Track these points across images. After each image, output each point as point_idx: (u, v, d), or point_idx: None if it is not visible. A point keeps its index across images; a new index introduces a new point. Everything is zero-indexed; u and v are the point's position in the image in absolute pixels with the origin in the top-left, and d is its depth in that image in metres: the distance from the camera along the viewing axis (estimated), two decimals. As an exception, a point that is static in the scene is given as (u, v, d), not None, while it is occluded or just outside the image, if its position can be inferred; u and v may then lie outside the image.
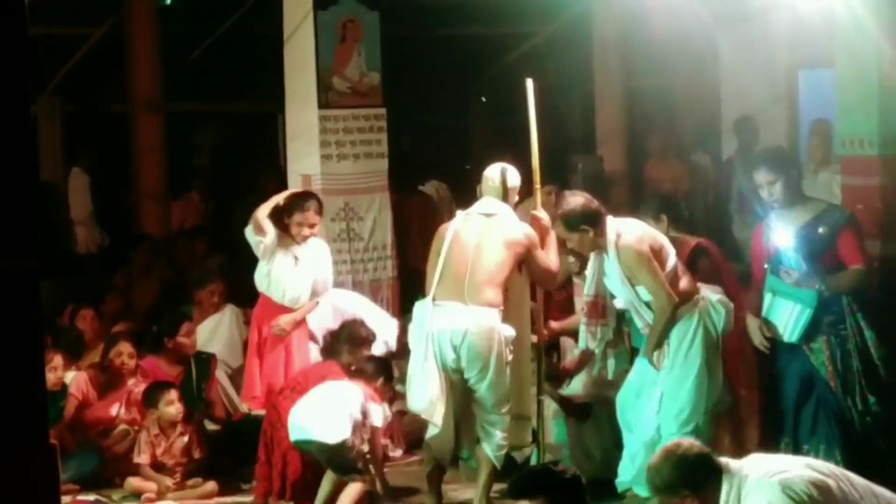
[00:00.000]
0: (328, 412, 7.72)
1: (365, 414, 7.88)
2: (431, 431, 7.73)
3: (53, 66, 14.42)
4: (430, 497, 7.93)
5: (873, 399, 7.31)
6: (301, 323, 8.83)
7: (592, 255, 7.70)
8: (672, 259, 7.50)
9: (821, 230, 7.44)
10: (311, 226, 8.76)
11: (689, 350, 7.44)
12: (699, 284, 7.64)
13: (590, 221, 7.50)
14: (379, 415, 7.98)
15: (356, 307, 9.09)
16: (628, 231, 7.47)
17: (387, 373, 8.36)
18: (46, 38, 13.12)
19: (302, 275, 8.77)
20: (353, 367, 8.27)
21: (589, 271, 7.83)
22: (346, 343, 8.46)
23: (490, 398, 7.69)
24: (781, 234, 7.47)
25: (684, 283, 7.51)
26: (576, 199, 7.61)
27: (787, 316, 7.47)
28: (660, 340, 7.47)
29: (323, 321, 8.89)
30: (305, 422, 7.74)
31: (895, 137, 9.53)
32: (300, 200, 8.83)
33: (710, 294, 7.56)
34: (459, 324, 7.54)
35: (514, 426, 7.92)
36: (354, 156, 10.03)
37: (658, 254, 7.44)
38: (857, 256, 7.56)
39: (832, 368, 7.39)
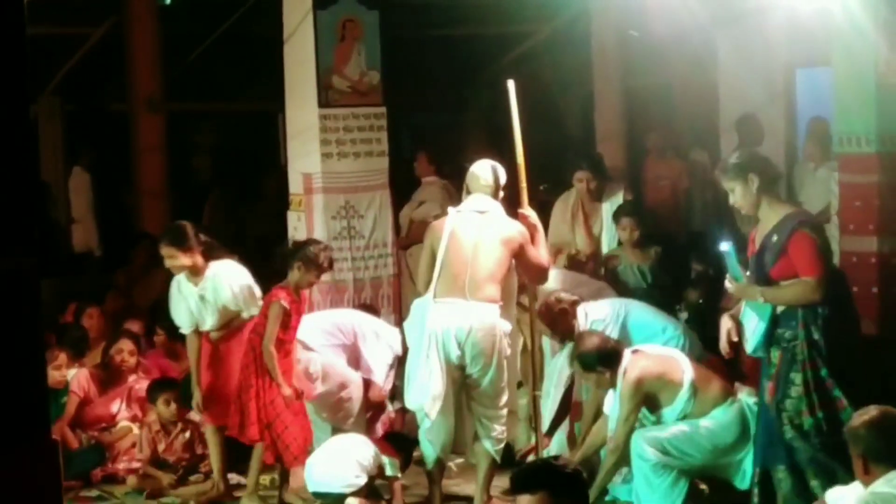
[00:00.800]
0: (342, 463, 7.90)
1: (380, 467, 8.04)
2: (435, 427, 7.77)
3: (53, 65, 14.44)
4: (432, 493, 8.00)
5: (822, 415, 6.77)
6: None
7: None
8: (687, 376, 7.50)
9: (775, 238, 6.95)
10: (169, 258, 8.43)
11: (717, 436, 7.46)
12: (738, 385, 7.70)
13: (606, 363, 7.57)
14: (393, 467, 8.14)
15: (359, 322, 9.08)
16: (633, 367, 7.51)
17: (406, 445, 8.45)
18: (46, 38, 13.15)
19: (199, 307, 8.44)
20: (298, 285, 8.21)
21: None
22: (300, 260, 8.14)
23: (490, 393, 7.77)
24: (723, 243, 7.11)
25: (715, 387, 7.56)
26: (592, 341, 7.69)
27: (750, 327, 7.10)
28: (603, 483, 7.55)
29: (326, 341, 8.83)
30: (322, 474, 7.89)
31: (892, 135, 9.58)
32: None
33: (747, 397, 7.55)
34: (463, 321, 7.61)
35: (508, 421, 7.99)
36: (355, 154, 10.03)
37: (664, 386, 7.49)
38: (808, 267, 6.86)
39: (773, 384, 6.92)
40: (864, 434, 5.37)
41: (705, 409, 7.46)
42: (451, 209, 8.08)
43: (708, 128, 13.14)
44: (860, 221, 9.70)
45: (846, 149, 9.70)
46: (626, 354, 7.58)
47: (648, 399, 7.49)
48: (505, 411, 7.86)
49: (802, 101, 12.58)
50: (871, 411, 5.49)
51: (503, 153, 8.27)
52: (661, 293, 9.45)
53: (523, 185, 8.01)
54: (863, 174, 9.62)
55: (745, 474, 7.40)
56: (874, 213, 9.63)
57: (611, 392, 7.66)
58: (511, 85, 8.09)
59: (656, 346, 7.89)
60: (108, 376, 9.27)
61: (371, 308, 9.80)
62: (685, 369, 7.54)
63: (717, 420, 7.46)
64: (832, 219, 10.06)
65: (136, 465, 8.79)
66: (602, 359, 7.56)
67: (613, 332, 8.09)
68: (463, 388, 7.79)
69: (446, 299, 7.68)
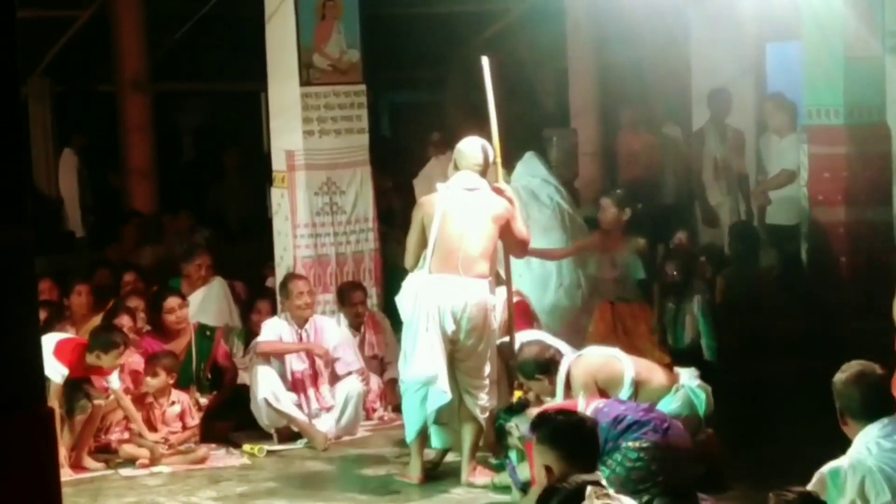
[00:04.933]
0: None
1: None
2: (440, 400, 7.91)
3: (42, 47, 14.47)
4: (416, 460, 8.15)
5: None
6: None
7: None
8: (629, 373, 7.64)
9: None
10: None
11: None
12: (678, 370, 7.85)
13: (544, 370, 7.73)
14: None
15: None
16: (578, 367, 7.70)
17: None
18: (35, 21, 13.23)
19: None
20: None
21: None
22: None
23: (478, 365, 7.94)
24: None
25: (658, 379, 7.72)
26: (531, 349, 7.85)
27: None
28: None
29: None
30: None
31: (860, 107, 9.78)
32: None
33: (689, 381, 7.69)
34: (459, 297, 7.78)
35: (490, 390, 8.17)
36: (336, 131, 10.08)
37: (608, 382, 7.65)
38: None
39: None
40: (841, 389, 5.41)
41: (652, 401, 7.52)
42: (439, 185, 8.21)
43: (680, 102, 13.29)
44: (829, 192, 9.91)
45: (815, 121, 9.90)
46: (566, 361, 7.75)
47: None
48: (488, 381, 8.04)
49: (772, 75, 12.76)
50: (853, 367, 5.53)
51: (480, 129, 8.41)
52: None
53: (498, 160, 8.13)
54: (831, 146, 9.82)
55: None
56: (842, 183, 9.83)
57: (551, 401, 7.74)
58: (485, 62, 8.17)
59: (597, 348, 8.05)
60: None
61: (354, 283, 9.99)
62: (626, 367, 7.69)
63: (665, 410, 7.49)
64: (801, 190, 10.28)
65: (127, 435, 8.95)
66: (539, 367, 7.74)
67: None
68: (451, 361, 7.97)
69: (441, 275, 7.85)
